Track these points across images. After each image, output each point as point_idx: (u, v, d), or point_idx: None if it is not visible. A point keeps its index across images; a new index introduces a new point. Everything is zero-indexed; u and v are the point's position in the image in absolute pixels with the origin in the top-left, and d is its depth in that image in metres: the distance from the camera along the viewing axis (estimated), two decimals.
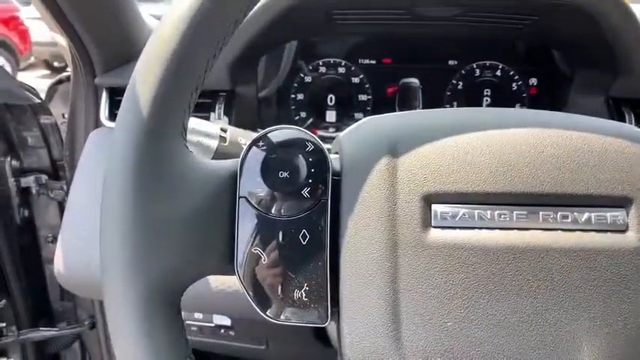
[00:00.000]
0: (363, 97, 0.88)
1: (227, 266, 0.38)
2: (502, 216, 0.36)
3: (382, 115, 0.42)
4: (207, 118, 0.80)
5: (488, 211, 0.36)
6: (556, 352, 0.35)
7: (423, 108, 0.88)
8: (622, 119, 0.77)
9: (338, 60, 0.88)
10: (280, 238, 0.37)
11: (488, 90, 0.88)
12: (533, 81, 0.88)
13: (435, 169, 0.37)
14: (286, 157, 0.38)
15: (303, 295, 0.37)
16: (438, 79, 0.88)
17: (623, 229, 0.36)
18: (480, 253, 0.36)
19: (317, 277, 0.37)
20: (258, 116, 0.85)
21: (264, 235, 0.37)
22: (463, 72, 0.88)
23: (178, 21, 0.34)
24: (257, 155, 0.38)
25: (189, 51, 0.34)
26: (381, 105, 0.89)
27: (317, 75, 0.88)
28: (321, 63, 0.88)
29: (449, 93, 0.88)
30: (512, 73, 0.88)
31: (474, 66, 0.88)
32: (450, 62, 0.88)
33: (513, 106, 0.88)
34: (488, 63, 0.88)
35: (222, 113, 0.79)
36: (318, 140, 0.38)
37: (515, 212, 0.36)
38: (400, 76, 0.88)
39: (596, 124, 0.40)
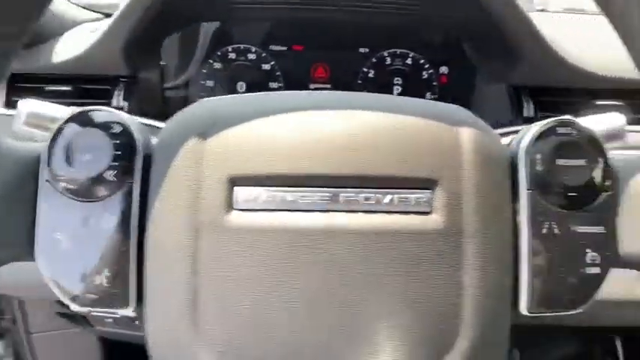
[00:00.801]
0: (274, 85, 0.87)
1: (29, 252, 0.37)
2: (303, 198, 0.36)
3: (211, 98, 0.42)
4: (108, 105, 0.79)
5: (290, 194, 0.36)
6: (353, 333, 0.35)
7: None
8: (522, 107, 0.77)
9: (248, 46, 0.87)
10: (81, 223, 0.36)
11: (398, 78, 0.88)
12: (444, 69, 0.88)
13: (241, 153, 0.36)
14: (90, 140, 0.37)
15: (105, 281, 0.36)
16: (349, 66, 0.88)
17: (427, 211, 0.36)
18: (279, 235, 0.35)
19: (119, 263, 0.36)
20: (165, 103, 0.84)
21: (65, 220, 0.36)
22: (374, 60, 0.87)
23: None
24: (64, 137, 0.37)
25: None
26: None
27: (227, 62, 0.87)
28: (230, 49, 0.87)
29: (360, 81, 0.88)
30: (422, 61, 0.87)
31: (385, 54, 0.87)
32: (361, 50, 0.88)
33: (424, 95, 0.88)
34: (398, 51, 0.87)
35: (121, 100, 0.78)
36: (127, 121, 0.38)
37: (317, 194, 0.36)
38: (311, 62, 0.87)
39: (414, 105, 0.40)
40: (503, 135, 0.43)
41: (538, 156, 0.38)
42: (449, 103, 0.87)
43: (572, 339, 0.95)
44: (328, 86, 0.88)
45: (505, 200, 0.37)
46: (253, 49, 0.87)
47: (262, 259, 0.35)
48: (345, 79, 0.88)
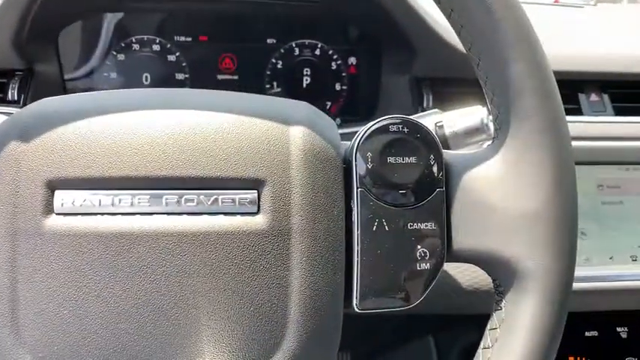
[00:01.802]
0: (180, 76, 0.86)
1: None
2: (122, 201, 0.35)
3: (49, 98, 0.41)
4: (3, 100, 0.76)
5: (111, 197, 0.35)
6: (174, 339, 0.35)
7: (240, 88, 0.87)
8: (422, 99, 0.78)
9: (152, 37, 0.85)
10: None
11: (307, 69, 0.87)
12: (352, 60, 0.88)
13: (60, 154, 0.35)
14: None
15: None
16: (257, 57, 0.87)
17: (253, 212, 0.36)
18: (99, 240, 0.35)
19: None
20: None
21: None
22: (282, 51, 0.87)
23: None
24: None
25: None
26: (201, 84, 0.87)
27: (131, 53, 0.85)
28: (134, 40, 0.85)
29: (269, 72, 0.87)
30: (331, 52, 0.87)
31: (293, 45, 0.87)
32: (269, 40, 0.87)
33: (333, 86, 0.88)
34: (307, 42, 0.87)
35: (15, 93, 0.75)
36: None
37: (137, 197, 0.35)
38: (218, 54, 0.86)
39: (245, 103, 0.39)
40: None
41: (369, 154, 0.38)
42: (358, 93, 0.88)
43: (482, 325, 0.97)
44: (236, 77, 0.87)
45: (336, 199, 0.37)
46: (157, 40, 0.85)
47: (81, 264, 0.34)
48: (253, 71, 0.87)
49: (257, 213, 0.36)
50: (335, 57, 0.87)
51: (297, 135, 0.37)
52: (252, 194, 0.36)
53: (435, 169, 0.38)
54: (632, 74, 0.81)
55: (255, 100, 0.41)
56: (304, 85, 0.88)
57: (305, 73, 0.87)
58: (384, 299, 0.38)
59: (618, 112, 0.80)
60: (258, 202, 0.36)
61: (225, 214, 0.36)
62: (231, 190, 0.36)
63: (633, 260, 0.70)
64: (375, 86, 0.86)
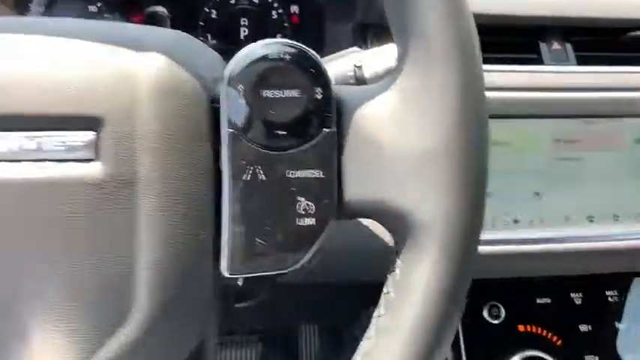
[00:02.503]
0: None
1: None
2: None
3: None
4: None
5: None
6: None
7: None
8: (367, 47, 0.71)
9: None
10: None
11: (245, 19, 0.80)
12: (295, 9, 0.80)
13: None
14: None
15: None
16: (190, 7, 0.79)
17: (90, 158, 0.29)
18: None
19: None
20: None
21: None
22: None
23: None
24: None
25: None
26: None
27: (51, 6, 0.77)
28: None
29: (202, 23, 0.79)
30: (271, 0, 0.80)
31: None
32: None
33: (274, 37, 0.80)
34: None
35: None
36: None
37: None
38: (147, 4, 0.78)
39: (91, 28, 0.32)
40: None
41: (240, 87, 0.31)
42: (302, 44, 0.80)
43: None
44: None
45: (199, 142, 0.31)
46: None
47: None
48: (185, 22, 0.79)
49: (94, 159, 0.29)
50: (275, 5, 0.80)
51: (150, 63, 0.31)
52: (87, 136, 0.29)
53: (320, 105, 0.32)
54: (597, 19, 0.74)
55: (105, 26, 0.34)
56: (242, 37, 0.80)
57: (242, 23, 0.80)
58: (258, 262, 0.32)
59: (581, 61, 0.73)
60: (96, 145, 0.29)
61: (53, 160, 0.29)
62: (61, 130, 0.29)
63: (590, 221, 0.65)
64: (320, 36, 0.79)
